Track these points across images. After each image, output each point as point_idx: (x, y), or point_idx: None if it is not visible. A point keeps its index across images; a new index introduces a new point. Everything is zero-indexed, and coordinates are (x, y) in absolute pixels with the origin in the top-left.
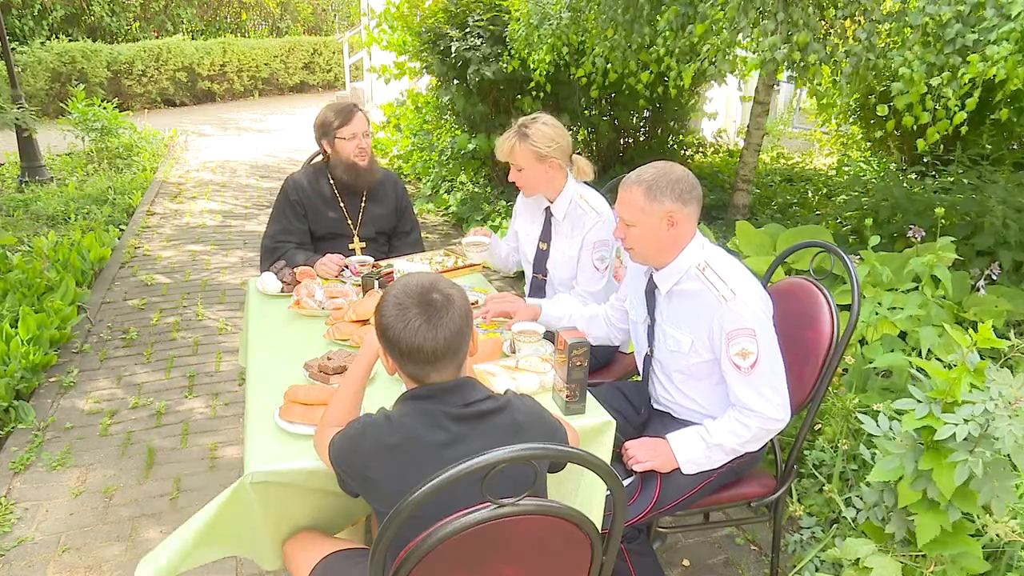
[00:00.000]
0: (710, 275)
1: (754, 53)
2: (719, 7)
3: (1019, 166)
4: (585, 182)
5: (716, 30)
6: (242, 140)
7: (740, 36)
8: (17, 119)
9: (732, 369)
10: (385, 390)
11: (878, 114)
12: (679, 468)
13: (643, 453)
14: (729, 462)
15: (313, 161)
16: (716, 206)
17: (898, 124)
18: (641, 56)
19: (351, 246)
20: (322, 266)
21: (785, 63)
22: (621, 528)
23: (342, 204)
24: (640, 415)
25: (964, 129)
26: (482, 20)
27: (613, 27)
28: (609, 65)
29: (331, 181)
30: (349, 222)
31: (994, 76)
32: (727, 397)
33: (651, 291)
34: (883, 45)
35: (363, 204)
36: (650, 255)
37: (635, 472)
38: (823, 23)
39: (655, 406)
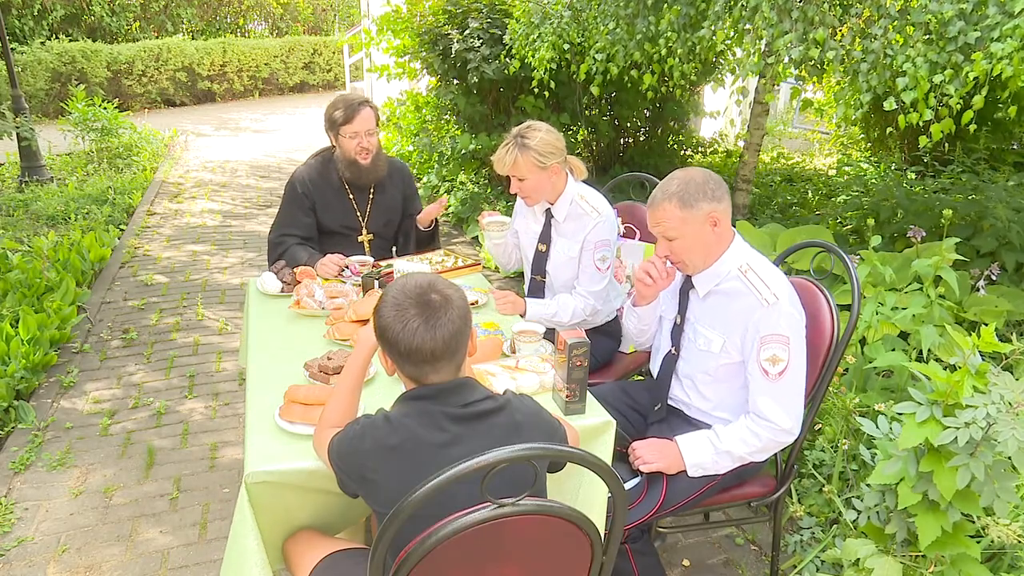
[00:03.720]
0: (752, 278)
1: (755, 55)
2: (733, 8)
3: (1019, 166)
4: (584, 181)
5: (736, 37)
6: (242, 140)
7: (763, 35)
8: (18, 128)
9: (759, 374)
10: (385, 390)
11: (885, 109)
12: (685, 471)
13: (650, 454)
14: (735, 468)
15: (321, 151)
16: None
17: (905, 121)
18: (647, 47)
19: (360, 239)
20: (322, 266)
21: (799, 62)
22: (621, 528)
23: (351, 196)
24: (657, 412)
25: (972, 127)
26: (481, 26)
27: (615, 21)
28: (610, 62)
29: (339, 173)
30: (358, 214)
31: (1000, 73)
32: (744, 404)
33: (686, 291)
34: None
35: (371, 196)
36: (699, 262)
37: (641, 473)
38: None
39: (668, 402)
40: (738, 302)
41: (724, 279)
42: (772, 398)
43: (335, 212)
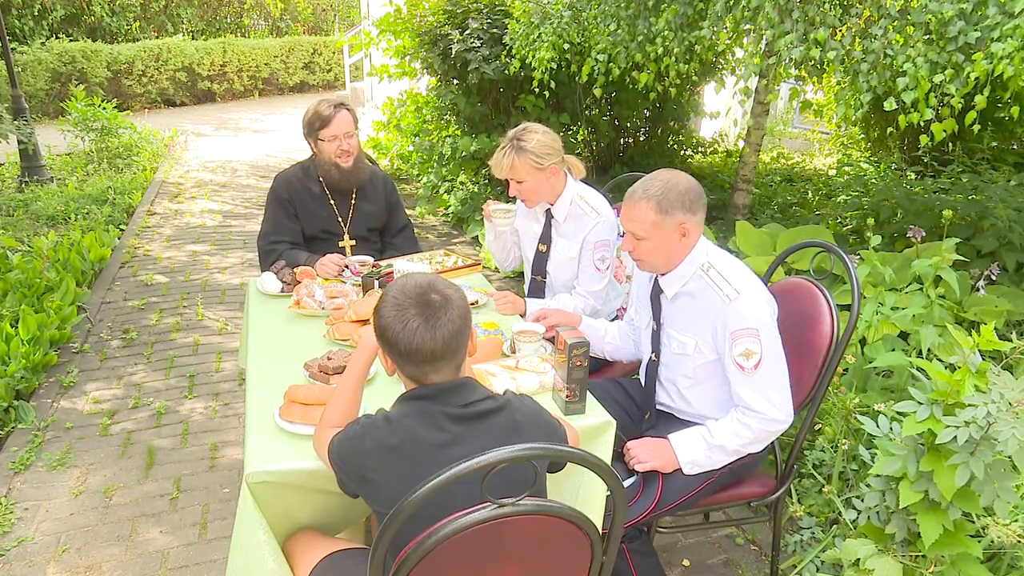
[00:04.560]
0: (714, 275)
1: (756, 55)
2: (733, 8)
3: (1020, 166)
4: (583, 180)
5: (736, 38)
6: (242, 140)
7: (765, 35)
8: (18, 133)
9: (735, 370)
10: (385, 390)
11: (885, 109)
12: (681, 468)
13: (645, 453)
14: (730, 463)
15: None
16: (716, 206)
17: (906, 121)
18: (648, 48)
19: (341, 244)
20: (322, 266)
21: (799, 62)
22: (621, 528)
23: (332, 202)
24: (648, 421)
25: (976, 128)
26: (481, 26)
27: (616, 22)
28: (611, 63)
29: (320, 179)
30: (340, 220)
31: (1001, 73)
32: (731, 400)
33: (656, 296)
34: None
35: (353, 202)
36: (659, 265)
37: (637, 472)
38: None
39: (657, 407)
40: (703, 301)
41: (689, 279)
42: (755, 390)
43: (316, 218)
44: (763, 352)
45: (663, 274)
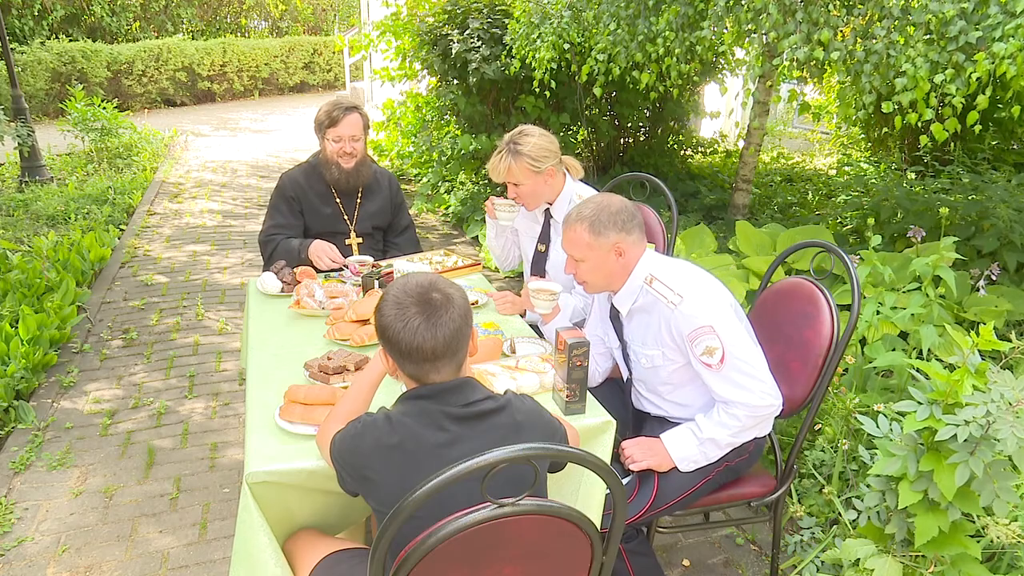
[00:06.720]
0: (657, 286)
1: (759, 58)
2: (733, 9)
3: (1020, 166)
4: (582, 180)
5: (736, 38)
6: (242, 140)
7: (772, 36)
8: (17, 134)
9: (704, 369)
10: (385, 390)
11: (884, 112)
12: (676, 467)
13: (640, 452)
14: (728, 461)
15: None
16: (716, 206)
17: (903, 122)
18: (648, 48)
19: (348, 242)
20: (314, 253)
21: (803, 62)
22: (621, 528)
23: (338, 200)
24: (633, 433)
25: (978, 128)
26: (481, 26)
27: (616, 22)
28: (611, 63)
29: (325, 177)
30: (346, 217)
31: (1003, 73)
32: None
33: (615, 316)
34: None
35: (359, 200)
36: (602, 285)
37: (632, 471)
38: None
39: (653, 415)
40: (655, 313)
41: (639, 295)
42: (728, 383)
43: (322, 215)
44: (724, 345)
45: (613, 293)
